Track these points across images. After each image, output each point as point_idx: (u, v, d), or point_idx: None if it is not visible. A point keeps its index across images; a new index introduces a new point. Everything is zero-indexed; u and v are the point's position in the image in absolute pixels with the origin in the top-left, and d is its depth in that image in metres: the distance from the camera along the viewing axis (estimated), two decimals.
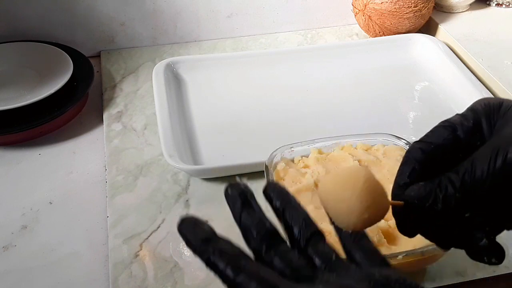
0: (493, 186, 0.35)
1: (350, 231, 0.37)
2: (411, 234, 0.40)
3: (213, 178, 0.63)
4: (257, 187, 0.61)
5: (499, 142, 0.36)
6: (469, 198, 0.36)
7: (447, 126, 0.40)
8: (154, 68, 0.77)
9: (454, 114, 0.76)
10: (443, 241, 0.40)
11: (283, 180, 0.56)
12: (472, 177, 0.35)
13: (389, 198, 0.39)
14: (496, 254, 0.38)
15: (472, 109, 0.40)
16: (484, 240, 0.37)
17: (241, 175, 0.63)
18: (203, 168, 0.63)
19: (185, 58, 0.80)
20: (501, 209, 0.36)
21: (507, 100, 0.39)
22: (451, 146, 0.39)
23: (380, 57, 0.83)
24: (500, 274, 0.54)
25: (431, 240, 0.40)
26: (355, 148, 0.60)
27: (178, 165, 0.61)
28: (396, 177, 0.40)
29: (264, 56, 0.82)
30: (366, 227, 0.37)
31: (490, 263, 0.38)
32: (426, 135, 0.40)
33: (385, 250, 0.50)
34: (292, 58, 0.82)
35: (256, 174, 0.62)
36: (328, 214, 0.39)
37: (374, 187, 0.37)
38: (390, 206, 0.39)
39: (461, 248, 0.39)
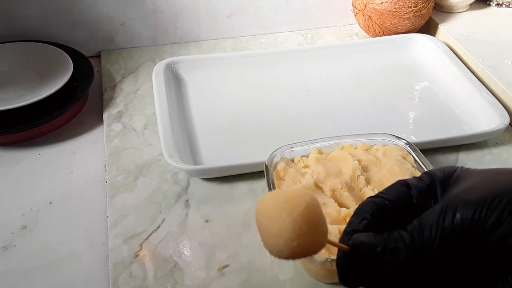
0: (442, 245, 0.35)
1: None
2: (351, 285, 0.39)
3: (213, 178, 0.63)
4: (257, 187, 0.62)
5: (446, 203, 0.36)
6: (419, 257, 0.36)
7: (402, 184, 0.41)
8: (154, 68, 0.77)
9: (454, 114, 0.76)
10: None
11: (283, 180, 0.56)
12: (421, 236, 0.36)
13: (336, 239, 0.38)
14: None
15: (428, 173, 0.41)
16: None
17: (241, 175, 0.63)
18: (203, 168, 0.63)
19: (185, 58, 0.80)
20: (454, 269, 0.36)
21: (460, 168, 0.40)
22: (404, 204, 0.40)
23: (380, 57, 0.83)
24: None
25: None
26: (355, 148, 0.61)
27: (178, 165, 0.61)
28: (346, 226, 0.40)
29: (264, 56, 0.82)
30: (293, 257, 0.35)
31: None
32: (381, 192, 0.41)
33: None
34: (292, 58, 0.82)
35: (256, 174, 0.62)
36: (260, 234, 0.36)
37: (314, 218, 0.35)
38: (337, 252, 0.38)
39: None
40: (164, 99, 0.71)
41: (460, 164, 0.66)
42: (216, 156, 0.66)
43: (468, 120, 0.71)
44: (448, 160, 0.66)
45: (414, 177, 0.41)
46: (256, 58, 0.81)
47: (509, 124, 0.67)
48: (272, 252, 0.36)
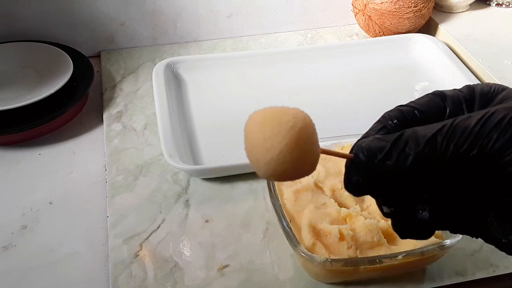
0: (465, 155, 0.30)
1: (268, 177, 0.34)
2: (355, 193, 0.35)
3: (213, 178, 0.63)
4: (257, 187, 0.62)
5: (491, 110, 0.31)
6: (432, 162, 0.31)
7: (437, 95, 0.36)
8: (154, 68, 0.77)
9: None
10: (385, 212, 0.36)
11: None
12: (451, 131, 0.31)
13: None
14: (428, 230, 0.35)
15: (469, 85, 0.37)
16: (426, 212, 0.34)
17: (241, 175, 0.63)
18: (203, 168, 0.63)
19: (185, 58, 0.80)
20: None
21: (509, 88, 0.35)
22: (435, 116, 0.35)
23: (380, 57, 0.83)
24: (500, 274, 0.54)
25: (377, 202, 0.36)
26: None
27: (178, 165, 0.61)
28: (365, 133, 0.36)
29: (264, 56, 0.82)
30: (285, 174, 0.33)
31: (419, 235, 0.35)
32: (412, 101, 0.36)
33: (385, 250, 0.50)
34: (292, 58, 0.82)
35: (256, 174, 0.62)
36: (247, 150, 0.36)
37: (288, 158, 0.34)
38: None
39: (394, 218, 0.35)
40: (164, 99, 0.71)
41: None
42: (216, 156, 0.66)
43: None
44: None
45: (454, 89, 0.36)
46: (256, 58, 0.81)
47: None
48: (262, 170, 0.36)
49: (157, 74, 0.75)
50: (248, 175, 0.63)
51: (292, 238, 0.49)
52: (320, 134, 0.62)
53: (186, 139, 0.68)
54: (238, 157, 0.64)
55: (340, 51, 0.83)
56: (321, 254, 0.49)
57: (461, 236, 0.49)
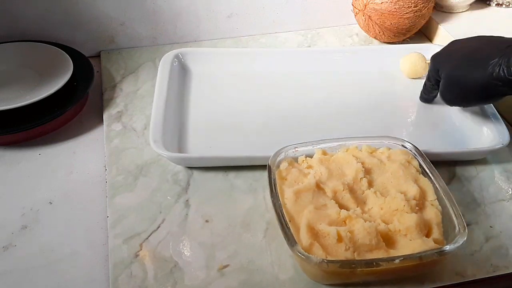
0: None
1: None
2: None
3: (213, 178, 0.63)
4: (257, 187, 0.62)
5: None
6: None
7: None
8: (163, 57, 0.77)
9: (454, 114, 0.76)
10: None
11: (286, 179, 0.56)
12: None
13: None
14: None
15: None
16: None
17: (241, 175, 0.63)
18: (184, 156, 0.64)
19: (195, 50, 0.81)
20: None
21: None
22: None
23: (381, 59, 0.82)
24: (500, 274, 0.54)
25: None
26: (360, 150, 0.60)
27: (160, 151, 0.62)
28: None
29: (266, 56, 0.82)
30: None
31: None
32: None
33: (383, 253, 0.49)
34: (295, 58, 0.81)
35: (257, 174, 0.62)
36: None
37: None
38: None
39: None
40: (164, 87, 0.72)
41: (460, 163, 0.66)
42: (204, 148, 0.66)
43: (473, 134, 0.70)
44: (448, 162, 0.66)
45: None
46: (258, 56, 0.81)
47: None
48: None
49: (164, 63, 0.76)
50: (248, 175, 0.63)
51: (290, 238, 0.49)
52: (325, 134, 0.62)
53: (177, 128, 0.68)
54: (224, 151, 0.64)
55: (340, 51, 0.84)
56: (318, 255, 0.48)
57: (460, 242, 0.49)
